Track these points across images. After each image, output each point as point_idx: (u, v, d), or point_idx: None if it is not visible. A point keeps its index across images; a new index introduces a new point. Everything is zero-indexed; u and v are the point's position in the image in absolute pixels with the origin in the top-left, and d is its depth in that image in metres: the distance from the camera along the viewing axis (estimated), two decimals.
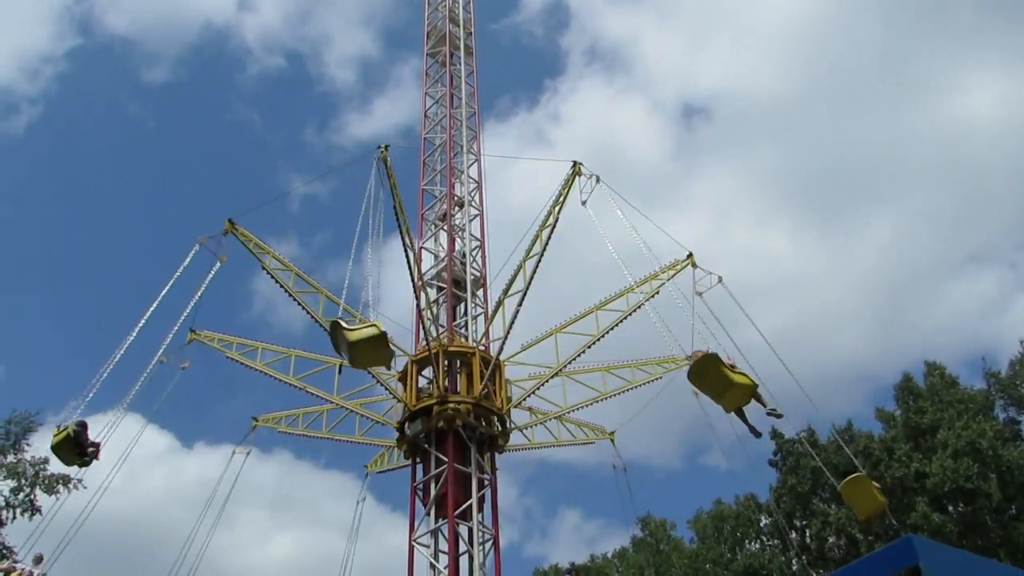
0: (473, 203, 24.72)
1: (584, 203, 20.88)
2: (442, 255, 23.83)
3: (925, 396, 35.57)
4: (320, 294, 21.18)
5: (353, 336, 15.15)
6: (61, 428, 17.35)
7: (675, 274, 21.29)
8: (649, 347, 22.23)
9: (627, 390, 22.10)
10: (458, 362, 20.94)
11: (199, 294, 20.15)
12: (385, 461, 24.14)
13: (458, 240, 23.91)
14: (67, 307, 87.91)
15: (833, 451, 33.03)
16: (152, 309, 19.17)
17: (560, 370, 21.61)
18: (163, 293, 19.58)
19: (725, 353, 16.10)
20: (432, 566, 19.05)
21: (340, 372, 21.45)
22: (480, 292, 23.56)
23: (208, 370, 22.08)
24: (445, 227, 24.17)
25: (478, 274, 23.74)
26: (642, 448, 75.56)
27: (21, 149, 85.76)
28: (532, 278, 20.35)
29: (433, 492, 19.52)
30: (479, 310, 23.31)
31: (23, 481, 23.63)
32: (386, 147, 19.13)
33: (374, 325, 15.57)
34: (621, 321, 21.33)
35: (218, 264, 20.49)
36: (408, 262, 19.54)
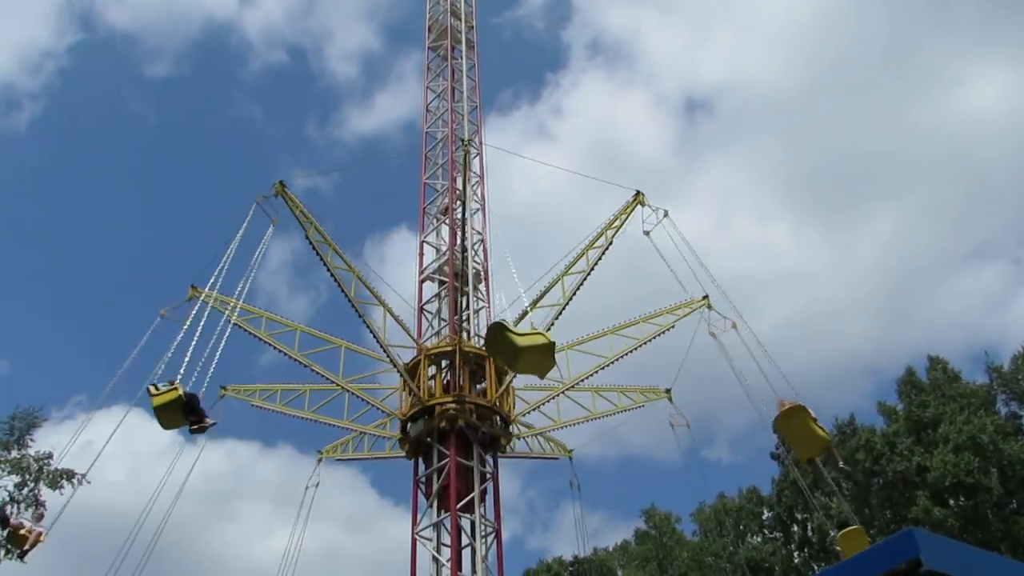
0: (475, 197, 24.76)
1: (647, 233, 21.68)
2: (444, 249, 23.87)
3: (927, 390, 35.61)
4: (352, 273, 20.79)
5: (522, 342, 14.42)
6: (162, 388, 15.45)
7: (689, 313, 21.90)
8: (651, 370, 23.15)
9: (612, 414, 23.24)
10: (472, 361, 21.01)
11: (258, 255, 19.51)
12: (351, 450, 24.09)
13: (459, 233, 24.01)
14: (70, 303, 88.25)
15: (835, 444, 33.01)
16: (219, 275, 18.85)
17: (571, 387, 21.99)
18: (230, 253, 19.09)
19: (811, 409, 16.82)
20: (435, 559, 19.14)
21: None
22: (482, 286, 23.61)
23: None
24: (447, 221, 24.19)
25: (479, 268, 23.78)
26: (644, 440, 75.69)
27: (23, 145, 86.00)
28: (572, 296, 20.73)
29: (436, 485, 19.62)
30: (480, 304, 23.36)
31: (27, 476, 23.71)
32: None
33: (542, 334, 14.92)
34: (635, 349, 21.91)
35: (271, 228, 20.13)
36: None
